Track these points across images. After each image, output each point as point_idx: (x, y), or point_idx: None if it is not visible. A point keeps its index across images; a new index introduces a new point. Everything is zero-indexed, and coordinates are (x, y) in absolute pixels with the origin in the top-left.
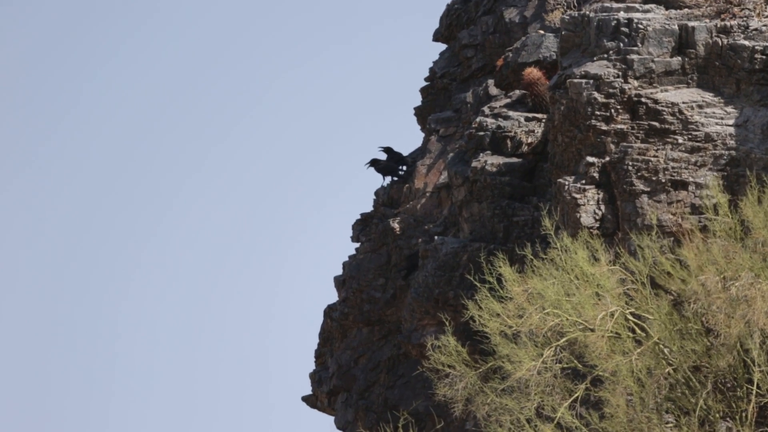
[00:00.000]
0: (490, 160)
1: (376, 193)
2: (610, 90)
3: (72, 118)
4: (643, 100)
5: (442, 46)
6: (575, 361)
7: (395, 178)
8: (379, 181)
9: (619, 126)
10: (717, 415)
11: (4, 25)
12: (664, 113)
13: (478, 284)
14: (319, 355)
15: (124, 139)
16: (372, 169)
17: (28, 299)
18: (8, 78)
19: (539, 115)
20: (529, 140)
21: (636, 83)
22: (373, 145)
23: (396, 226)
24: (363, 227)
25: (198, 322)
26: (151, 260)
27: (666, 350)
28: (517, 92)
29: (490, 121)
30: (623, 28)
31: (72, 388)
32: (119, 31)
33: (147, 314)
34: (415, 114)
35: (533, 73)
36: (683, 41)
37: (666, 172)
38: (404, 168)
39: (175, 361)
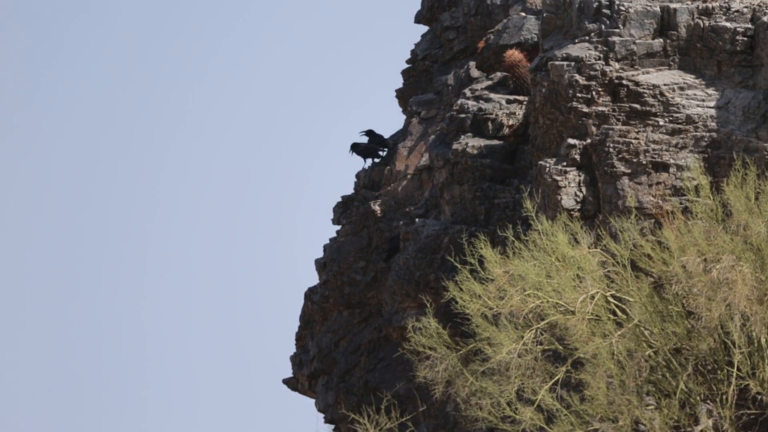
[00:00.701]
0: (472, 143)
1: (357, 176)
2: (592, 72)
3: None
4: (624, 82)
5: (424, 28)
6: (556, 344)
7: (376, 160)
8: (360, 163)
9: (600, 108)
10: (698, 398)
11: None
12: (646, 95)
13: (459, 266)
14: (299, 337)
15: (98, 124)
16: (354, 153)
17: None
18: None
19: (520, 98)
20: (511, 122)
21: (617, 65)
22: (354, 127)
23: (377, 208)
24: (344, 210)
25: (178, 305)
26: (133, 247)
27: (647, 333)
28: (499, 74)
29: (471, 104)
30: (605, 10)
31: (53, 380)
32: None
33: (128, 303)
34: (397, 96)
35: (514, 55)
36: (665, 23)
37: (647, 154)
38: (385, 150)
39: (157, 344)
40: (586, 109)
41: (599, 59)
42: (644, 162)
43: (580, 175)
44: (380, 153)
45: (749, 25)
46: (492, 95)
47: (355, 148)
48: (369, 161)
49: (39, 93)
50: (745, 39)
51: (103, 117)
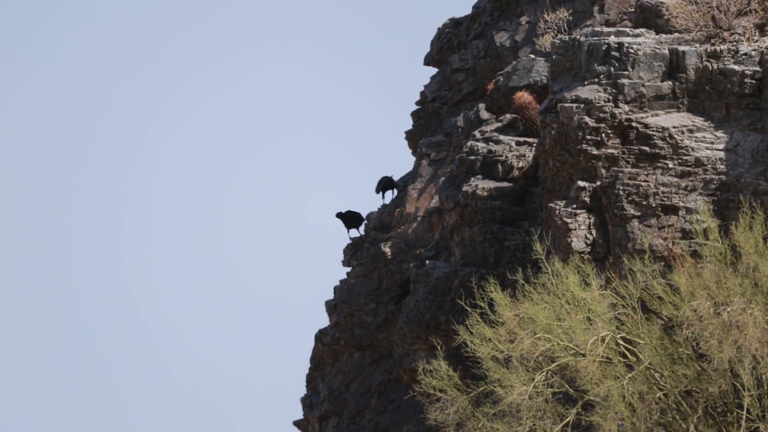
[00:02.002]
0: (481, 185)
1: (368, 218)
2: (601, 114)
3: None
4: (633, 124)
5: (433, 70)
6: (566, 386)
7: (361, 229)
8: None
9: (609, 150)
10: None
11: None
12: (655, 138)
13: (470, 309)
14: (310, 379)
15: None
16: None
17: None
18: None
19: (530, 140)
20: (520, 164)
21: (626, 108)
22: (366, 170)
23: (387, 250)
24: (354, 251)
25: (192, 345)
26: (152, 285)
27: (657, 375)
28: (508, 116)
29: (481, 146)
30: (614, 53)
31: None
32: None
33: (144, 337)
34: (407, 138)
35: (524, 97)
36: (674, 66)
37: (656, 197)
38: (365, 221)
39: (170, 384)
40: (595, 152)
41: (608, 101)
42: (654, 205)
43: (590, 218)
44: (364, 222)
45: (757, 68)
46: (501, 137)
47: (339, 215)
48: (353, 231)
49: (38, 92)
50: (754, 82)
51: (132, 134)
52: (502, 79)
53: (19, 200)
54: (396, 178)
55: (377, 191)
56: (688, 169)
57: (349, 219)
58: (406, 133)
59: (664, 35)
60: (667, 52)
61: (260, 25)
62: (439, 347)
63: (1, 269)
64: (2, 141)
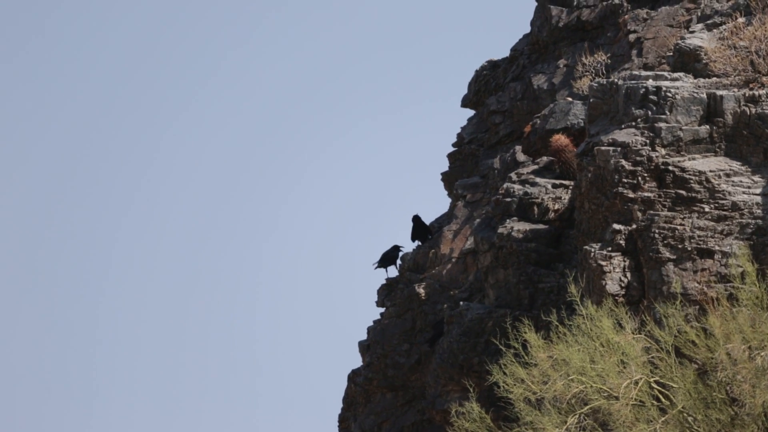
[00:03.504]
0: (517, 227)
1: (402, 258)
2: (638, 158)
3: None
4: (670, 168)
5: (470, 112)
6: (599, 429)
7: (397, 265)
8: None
9: (645, 194)
10: None
11: None
12: (691, 181)
13: (503, 350)
14: (342, 419)
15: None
16: (385, 264)
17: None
18: None
19: (566, 182)
20: (556, 207)
21: (663, 151)
22: (401, 210)
23: (421, 291)
24: (388, 292)
25: (219, 383)
26: (178, 314)
27: (690, 419)
28: (545, 159)
29: (517, 188)
30: (651, 96)
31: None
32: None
33: (172, 372)
34: (443, 179)
35: (561, 139)
36: (711, 110)
37: (692, 240)
38: (401, 250)
39: (192, 420)
40: (631, 195)
41: (645, 145)
42: (689, 248)
43: (625, 261)
44: (400, 252)
45: None
46: (538, 179)
47: (382, 262)
48: (391, 268)
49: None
50: None
51: (146, 152)
52: (539, 121)
53: (30, 201)
54: (430, 219)
55: (380, 265)
56: (724, 213)
57: (392, 256)
58: (442, 174)
59: (702, 79)
60: (705, 96)
61: (291, 71)
62: (471, 389)
63: (15, 270)
64: (17, 142)
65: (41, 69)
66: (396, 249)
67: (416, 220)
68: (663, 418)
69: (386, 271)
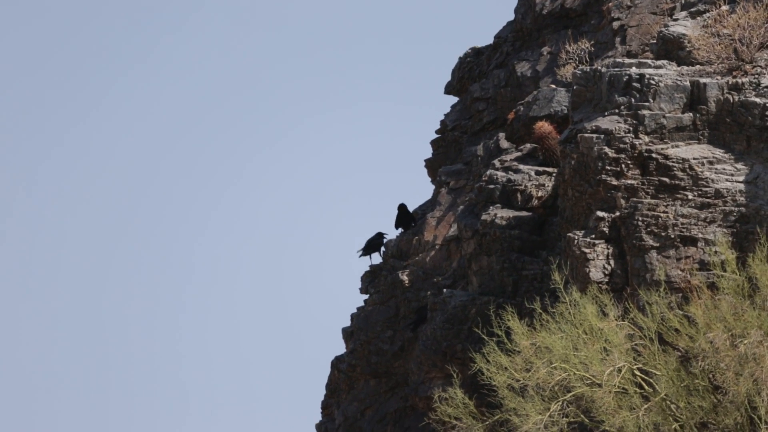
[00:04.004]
0: (500, 214)
1: (386, 246)
2: (621, 145)
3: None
4: (653, 155)
5: (454, 99)
6: (582, 416)
7: (381, 252)
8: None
9: (629, 181)
10: None
11: None
12: (675, 169)
13: (486, 337)
14: (325, 406)
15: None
16: (369, 252)
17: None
18: None
19: (550, 169)
20: (540, 194)
21: (647, 139)
22: (385, 197)
23: (405, 278)
24: (372, 279)
25: (204, 371)
26: (167, 304)
27: (673, 406)
28: (528, 146)
29: (500, 175)
30: (635, 84)
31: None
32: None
33: (157, 360)
34: (426, 166)
35: (544, 127)
36: (695, 97)
37: (675, 228)
38: (385, 237)
39: (181, 410)
40: (615, 182)
41: (629, 132)
42: (673, 236)
43: (608, 248)
44: (384, 238)
45: None
46: (521, 166)
47: (366, 250)
48: (375, 255)
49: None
50: None
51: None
52: (522, 108)
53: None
54: (414, 206)
55: (364, 253)
56: (707, 200)
57: (376, 243)
58: (425, 161)
59: (685, 67)
60: (688, 83)
61: (278, 51)
62: (455, 375)
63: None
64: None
65: None
66: (380, 236)
67: (402, 208)
68: (646, 406)
69: (370, 258)
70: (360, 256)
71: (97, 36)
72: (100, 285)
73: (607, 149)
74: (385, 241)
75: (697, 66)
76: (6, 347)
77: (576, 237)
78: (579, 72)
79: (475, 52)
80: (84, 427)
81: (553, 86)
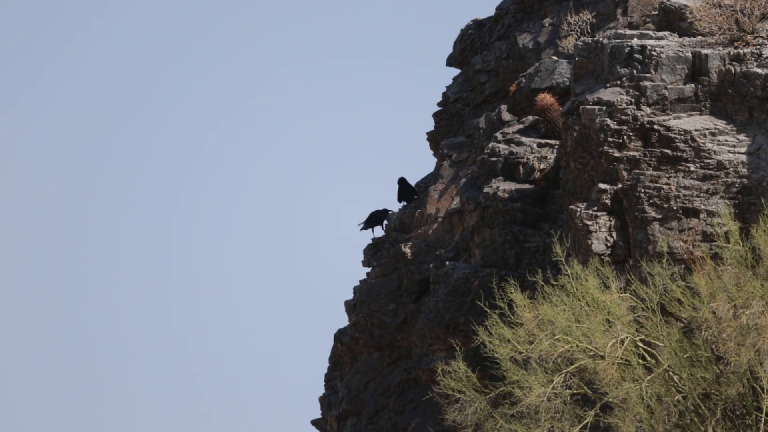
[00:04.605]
0: (503, 186)
1: (388, 219)
2: (623, 117)
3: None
4: (655, 127)
5: (456, 71)
6: (585, 388)
7: (383, 225)
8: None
9: (631, 153)
10: None
11: None
12: (677, 140)
13: (489, 310)
14: (329, 379)
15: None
16: (371, 225)
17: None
18: None
19: (552, 141)
20: (542, 166)
21: (649, 110)
22: (387, 170)
23: (407, 251)
24: (374, 252)
25: (207, 344)
26: (166, 290)
27: (676, 378)
28: (530, 118)
29: (502, 147)
30: (637, 55)
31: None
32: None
33: (159, 335)
34: (428, 139)
35: (546, 98)
36: (696, 68)
37: (678, 200)
38: (387, 213)
39: (187, 382)
40: (617, 154)
41: (631, 104)
42: (675, 207)
43: (610, 220)
44: (388, 212)
45: None
46: (523, 139)
47: (369, 223)
48: (377, 228)
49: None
50: None
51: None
52: (524, 80)
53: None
54: (416, 179)
55: (366, 226)
56: (709, 172)
57: (379, 217)
58: (427, 134)
59: (687, 38)
60: (690, 55)
61: (277, 28)
62: (458, 348)
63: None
64: (54, 143)
65: None
66: (385, 211)
67: (402, 181)
68: (649, 377)
69: (372, 231)
70: (361, 229)
71: None
72: (95, 279)
73: (609, 121)
74: (389, 214)
75: (699, 37)
76: (6, 346)
77: (578, 209)
78: (581, 43)
79: (477, 24)
80: (83, 426)
81: (555, 58)
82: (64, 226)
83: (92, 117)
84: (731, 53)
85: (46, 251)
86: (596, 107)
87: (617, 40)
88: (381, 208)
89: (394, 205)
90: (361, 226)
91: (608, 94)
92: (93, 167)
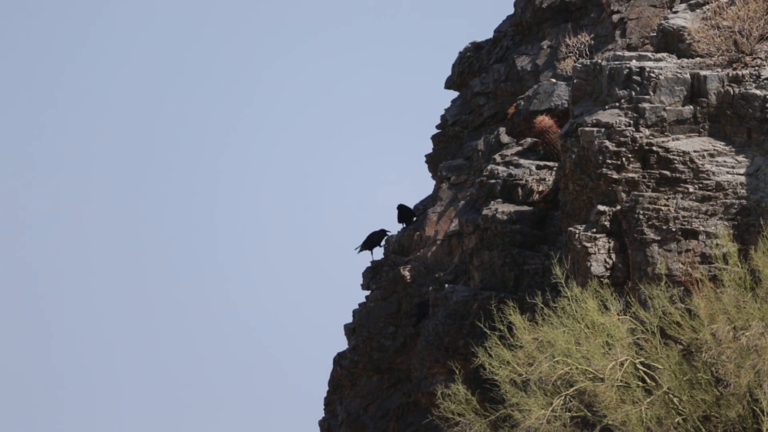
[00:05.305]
0: (501, 208)
1: (387, 241)
2: (622, 138)
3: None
4: (654, 148)
5: (454, 94)
6: (585, 410)
7: (382, 245)
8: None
9: (630, 175)
10: None
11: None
12: (676, 162)
13: (489, 332)
14: (328, 402)
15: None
16: (369, 247)
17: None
18: None
19: (550, 163)
20: (540, 188)
21: (647, 132)
22: (386, 193)
23: (406, 273)
24: (373, 275)
25: (204, 371)
26: (172, 308)
27: (676, 400)
28: (529, 140)
29: (501, 169)
30: (635, 77)
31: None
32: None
33: (160, 358)
34: (427, 161)
35: (545, 121)
36: (695, 90)
37: (677, 221)
38: (387, 234)
39: (180, 405)
40: (616, 176)
41: (629, 125)
42: (674, 229)
43: (609, 242)
44: (386, 234)
45: None
46: (522, 161)
47: (367, 245)
48: (376, 250)
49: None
50: None
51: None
52: (522, 103)
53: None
54: (415, 202)
55: (363, 248)
56: (708, 193)
57: (377, 239)
58: (426, 156)
59: (685, 60)
60: (688, 76)
61: (274, 48)
62: (457, 371)
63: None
64: (93, 141)
65: None
66: (383, 233)
67: (401, 207)
68: (648, 399)
69: (371, 253)
70: (359, 251)
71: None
72: (95, 279)
73: (607, 143)
74: (387, 237)
75: (698, 58)
76: (6, 345)
77: (577, 231)
78: (579, 65)
79: (475, 47)
80: (83, 427)
81: (554, 80)
82: (64, 226)
83: (108, 115)
84: (730, 75)
85: (47, 250)
86: (595, 129)
87: (616, 62)
88: (378, 229)
89: (393, 227)
90: (358, 249)
91: (607, 116)
92: (93, 167)
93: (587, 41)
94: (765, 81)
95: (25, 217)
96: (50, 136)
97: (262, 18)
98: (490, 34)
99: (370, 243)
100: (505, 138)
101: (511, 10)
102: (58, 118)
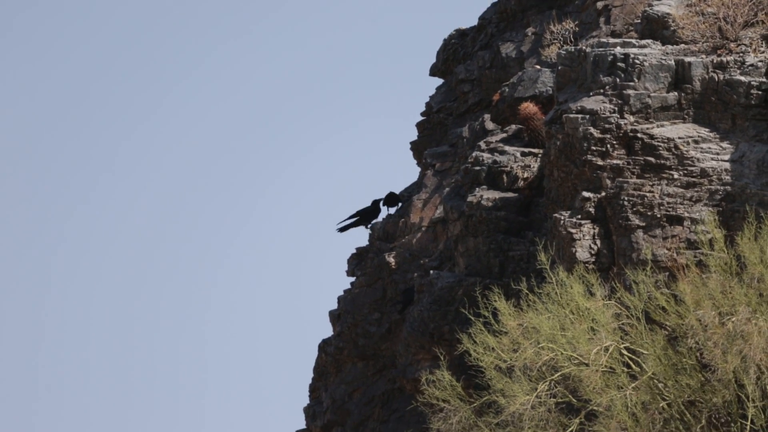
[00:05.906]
0: (486, 195)
1: (372, 228)
2: (606, 125)
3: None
4: (639, 135)
5: (439, 81)
6: (569, 396)
7: (373, 222)
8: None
9: (614, 161)
10: None
11: None
12: (660, 148)
13: (473, 318)
14: (313, 389)
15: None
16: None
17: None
18: None
19: (535, 150)
20: (525, 175)
21: (632, 118)
22: (371, 180)
23: (391, 260)
24: (358, 261)
25: (191, 355)
26: (159, 298)
27: (661, 385)
28: (514, 127)
29: (486, 156)
30: (620, 64)
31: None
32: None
33: (142, 342)
34: (411, 148)
35: (529, 107)
36: (679, 76)
37: (661, 207)
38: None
39: (171, 392)
40: (600, 162)
41: (614, 112)
42: (659, 215)
43: (594, 228)
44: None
45: (764, 79)
46: (507, 148)
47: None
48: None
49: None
50: (760, 93)
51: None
52: (507, 89)
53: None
54: (400, 189)
55: (360, 222)
56: (693, 179)
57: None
58: (411, 143)
59: (670, 46)
60: (673, 63)
61: (257, 29)
62: (442, 357)
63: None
64: (54, 142)
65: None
66: (394, 196)
67: (390, 194)
68: (633, 385)
69: (366, 228)
70: (339, 228)
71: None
72: (94, 282)
73: (592, 129)
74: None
75: (682, 45)
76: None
77: (562, 217)
78: (563, 52)
79: (460, 34)
80: (82, 427)
81: (538, 67)
82: (63, 226)
83: (103, 113)
84: (714, 61)
85: (46, 251)
86: (579, 116)
87: (600, 49)
88: (371, 202)
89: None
90: (345, 224)
91: (591, 102)
92: (94, 167)
93: (572, 28)
94: (749, 67)
95: (25, 217)
96: (50, 135)
97: (250, 4)
98: (474, 21)
99: (367, 216)
100: (489, 125)
101: None
102: (58, 119)
